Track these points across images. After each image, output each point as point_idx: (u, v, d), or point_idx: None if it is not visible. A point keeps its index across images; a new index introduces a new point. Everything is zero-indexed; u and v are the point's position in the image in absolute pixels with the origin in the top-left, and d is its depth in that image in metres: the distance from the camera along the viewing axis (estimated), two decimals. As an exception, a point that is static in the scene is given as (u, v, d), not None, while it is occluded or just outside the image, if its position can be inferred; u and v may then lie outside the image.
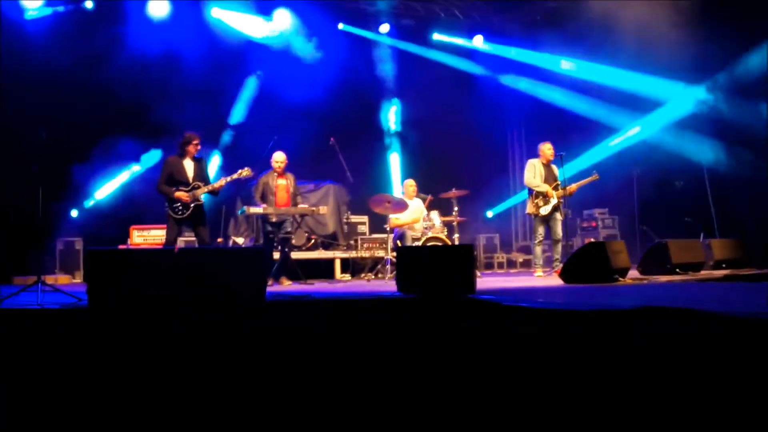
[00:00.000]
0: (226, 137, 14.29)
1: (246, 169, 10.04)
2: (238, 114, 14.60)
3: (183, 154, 9.77)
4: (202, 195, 9.66)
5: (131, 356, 4.77)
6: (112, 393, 4.46)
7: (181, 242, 11.27)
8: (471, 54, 16.75)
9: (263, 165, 11.30)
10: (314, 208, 11.10)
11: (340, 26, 15.67)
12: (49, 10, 13.10)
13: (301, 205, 11.20)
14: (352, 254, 12.46)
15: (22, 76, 12.04)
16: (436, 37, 16.60)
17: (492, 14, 16.41)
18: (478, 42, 16.58)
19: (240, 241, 12.65)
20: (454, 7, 16.14)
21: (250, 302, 6.11)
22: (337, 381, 4.65)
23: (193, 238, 10.47)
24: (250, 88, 14.67)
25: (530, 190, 11.36)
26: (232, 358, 4.91)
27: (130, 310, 5.68)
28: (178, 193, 9.47)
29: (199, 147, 9.82)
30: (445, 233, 11.56)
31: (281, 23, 14.86)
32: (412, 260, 7.24)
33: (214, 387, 4.67)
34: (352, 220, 13.57)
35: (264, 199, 10.85)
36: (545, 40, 15.21)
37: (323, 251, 12.67)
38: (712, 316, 4.16)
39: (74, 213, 13.22)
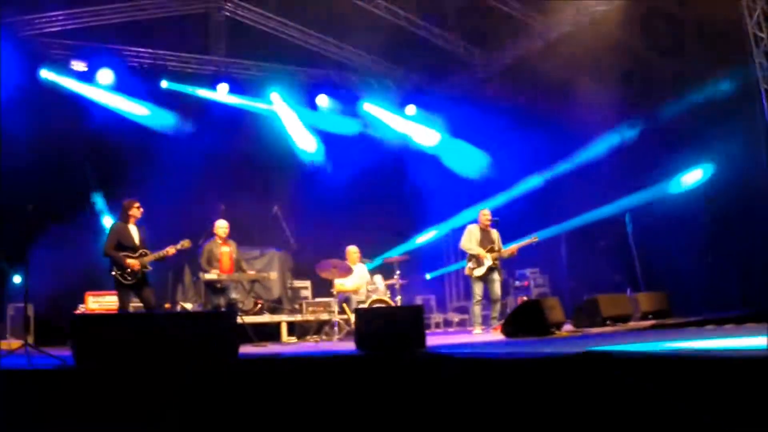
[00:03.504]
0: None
1: (187, 240, 10.52)
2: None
3: (126, 220, 10.14)
4: (149, 262, 10.11)
5: (118, 411, 5.41)
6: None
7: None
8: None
9: (208, 233, 12.02)
10: (264, 274, 11.84)
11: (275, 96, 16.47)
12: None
13: (249, 272, 11.92)
14: (298, 317, 13.01)
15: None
16: (367, 107, 17.33)
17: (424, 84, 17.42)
18: (411, 111, 17.49)
19: (188, 306, 13.12)
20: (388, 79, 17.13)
21: (225, 361, 6.67)
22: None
23: (140, 304, 10.51)
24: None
25: (466, 253, 12.26)
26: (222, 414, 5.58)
27: (114, 369, 6.04)
28: (129, 261, 9.78)
29: (141, 211, 10.21)
30: (388, 296, 12.35)
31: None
32: (370, 321, 7.98)
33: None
34: (296, 285, 14.31)
35: (209, 265, 11.49)
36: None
37: (270, 315, 13.19)
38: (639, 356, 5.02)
39: (17, 279, 13.52)
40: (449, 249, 17.15)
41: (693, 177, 13.04)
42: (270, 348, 10.59)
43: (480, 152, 16.72)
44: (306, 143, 16.77)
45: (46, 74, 14.01)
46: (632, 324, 10.85)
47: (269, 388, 5.88)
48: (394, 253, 14.71)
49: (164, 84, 15.34)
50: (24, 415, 5.32)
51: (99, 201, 14.16)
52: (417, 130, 17.62)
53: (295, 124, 16.72)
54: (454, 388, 5.58)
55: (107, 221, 14.05)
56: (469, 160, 17.00)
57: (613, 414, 4.48)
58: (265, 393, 5.82)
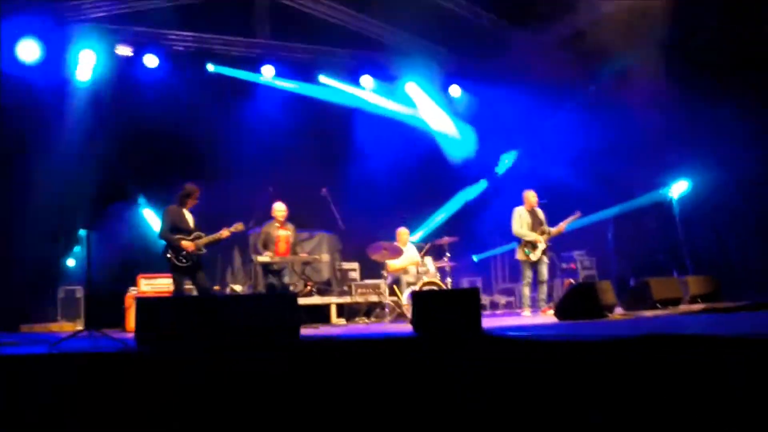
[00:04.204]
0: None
1: (240, 223, 10.77)
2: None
3: (183, 204, 10.43)
4: (204, 245, 10.38)
5: (182, 392, 5.59)
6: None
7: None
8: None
9: (261, 215, 12.22)
10: (316, 257, 12.07)
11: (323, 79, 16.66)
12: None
13: (302, 254, 12.13)
14: (347, 299, 13.19)
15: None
16: (409, 87, 17.44)
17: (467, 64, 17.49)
18: (456, 92, 17.58)
19: (238, 288, 13.35)
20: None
21: (287, 342, 6.81)
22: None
23: (191, 286, 10.82)
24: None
25: (519, 239, 12.39)
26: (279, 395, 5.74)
27: (177, 351, 6.25)
28: (185, 243, 10.09)
29: (197, 200, 10.55)
30: (439, 278, 12.53)
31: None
32: (427, 303, 8.08)
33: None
34: (344, 267, 14.53)
35: (265, 248, 11.69)
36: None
37: (320, 297, 13.31)
38: (700, 338, 5.15)
39: (71, 262, 13.87)
40: (495, 231, 17.22)
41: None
42: (324, 329, 10.81)
43: (522, 133, 16.73)
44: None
45: (91, 58, 14.23)
46: (684, 307, 10.97)
47: (331, 369, 5.99)
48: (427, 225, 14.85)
49: (210, 68, 15.52)
50: (88, 398, 5.48)
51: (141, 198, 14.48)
52: (455, 110, 17.77)
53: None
54: (514, 370, 5.71)
55: (146, 213, 14.42)
56: (511, 141, 17.04)
57: (679, 396, 4.62)
58: (328, 374, 5.92)
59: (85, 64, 14.10)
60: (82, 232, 9.33)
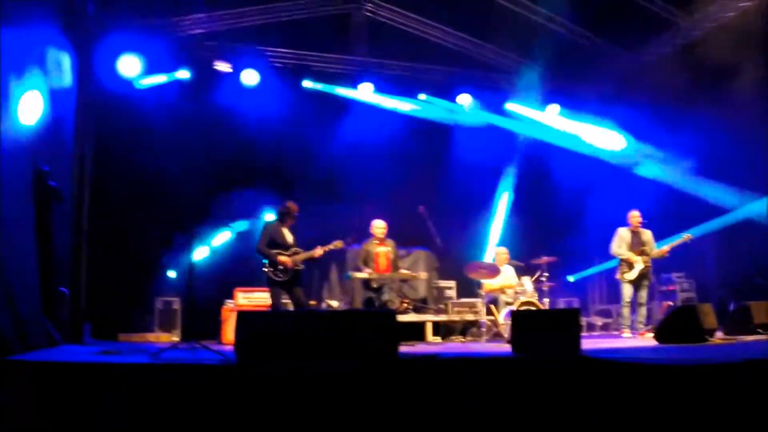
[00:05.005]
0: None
1: (339, 241, 11.11)
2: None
3: (283, 221, 10.81)
4: (301, 261, 10.71)
5: (281, 408, 5.82)
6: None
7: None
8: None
9: (360, 233, 12.48)
10: (415, 274, 12.22)
11: (422, 96, 16.91)
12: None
13: (402, 270, 12.36)
14: (443, 317, 13.33)
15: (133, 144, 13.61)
16: (510, 106, 17.42)
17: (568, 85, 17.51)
18: (553, 110, 17.51)
19: (334, 304, 13.62)
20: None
21: (385, 359, 6.90)
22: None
23: (288, 301, 10.99)
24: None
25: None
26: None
27: (275, 365, 6.36)
28: (282, 258, 10.47)
29: (296, 219, 10.89)
30: (537, 297, 12.63)
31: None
32: (526, 323, 8.19)
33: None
34: (441, 285, 14.72)
35: (365, 265, 11.94)
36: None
37: (416, 314, 13.41)
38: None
39: (172, 274, 14.33)
40: (592, 251, 17.15)
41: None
42: (421, 347, 10.95)
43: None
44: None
45: (190, 74, 14.82)
46: (785, 333, 10.85)
47: (431, 387, 6.17)
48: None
49: (307, 84, 15.89)
50: (190, 408, 5.80)
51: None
52: (561, 129, 17.62)
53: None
54: (616, 394, 5.83)
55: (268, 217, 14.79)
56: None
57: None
58: (427, 392, 6.11)
59: (184, 79, 14.70)
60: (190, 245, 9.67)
